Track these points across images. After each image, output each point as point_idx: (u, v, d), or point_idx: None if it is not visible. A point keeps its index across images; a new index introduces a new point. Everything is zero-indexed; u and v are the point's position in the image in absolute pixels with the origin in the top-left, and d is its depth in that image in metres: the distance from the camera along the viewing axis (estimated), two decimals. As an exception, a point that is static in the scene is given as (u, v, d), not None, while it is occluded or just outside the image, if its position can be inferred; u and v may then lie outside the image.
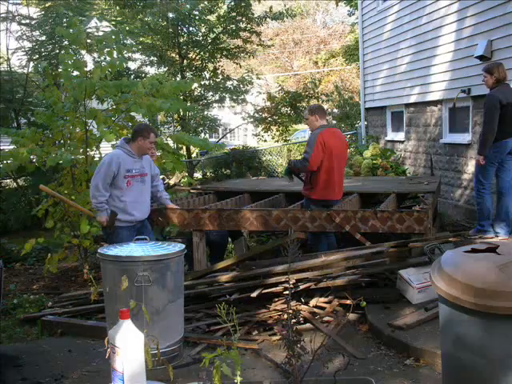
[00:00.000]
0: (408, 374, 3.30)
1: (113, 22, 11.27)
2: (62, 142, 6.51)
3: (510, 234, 5.62)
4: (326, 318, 4.18)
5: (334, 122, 15.94)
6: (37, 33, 10.32)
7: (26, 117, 9.79)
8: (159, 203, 5.55)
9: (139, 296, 3.43)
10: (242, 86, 13.51)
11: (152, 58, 13.30)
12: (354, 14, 21.28)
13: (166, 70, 13.28)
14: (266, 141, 14.78)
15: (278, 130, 13.59)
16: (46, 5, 10.54)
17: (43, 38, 10.20)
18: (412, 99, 9.63)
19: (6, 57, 10.21)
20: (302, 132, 24.91)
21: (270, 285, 4.38)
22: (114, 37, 6.12)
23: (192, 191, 7.18)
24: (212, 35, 13.00)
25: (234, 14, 12.75)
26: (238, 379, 2.47)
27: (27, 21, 10.34)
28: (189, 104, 12.07)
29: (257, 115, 13.42)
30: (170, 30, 12.84)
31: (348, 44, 23.78)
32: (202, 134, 13.82)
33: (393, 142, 10.87)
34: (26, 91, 9.85)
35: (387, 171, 9.29)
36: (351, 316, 4.06)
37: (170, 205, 5.50)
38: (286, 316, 2.78)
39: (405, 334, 3.69)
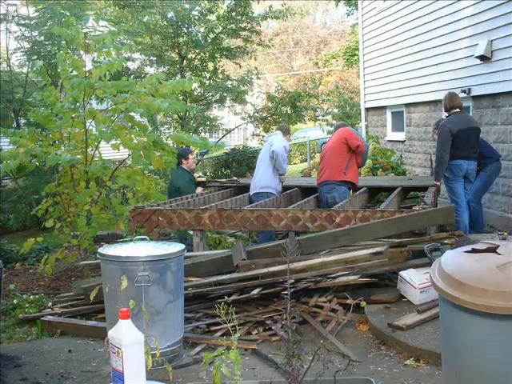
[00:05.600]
0: (408, 374, 3.30)
1: (111, 22, 11.26)
2: (60, 141, 6.52)
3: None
4: (326, 318, 4.17)
5: (334, 121, 15.93)
6: (35, 33, 10.33)
7: (25, 117, 9.79)
8: None
9: (139, 296, 3.43)
10: (241, 85, 13.51)
11: (151, 57, 13.30)
12: (352, 14, 21.30)
13: (165, 69, 13.28)
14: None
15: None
16: (44, 5, 10.52)
17: (41, 38, 10.20)
18: (412, 99, 9.64)
19: (6, 57, 10.21)
20: (302, 131, 24.91)
21: (270, 285, 4.38)
22: (112, 37, 6.12)
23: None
24: (212, 35, 13.01)
25: (233, 13, 12.76)
26: (238, 379, 2.46)
27: (26, 21, 10.35)
28: (188, 104, 12.07)
29: (257, 115, 13.43)
30: (170, 30, 12.84)
31: (348, 44, 23.79)
32: (202, 134, 13.82)
33: (393, 142, 10.87)
34: (25, 91, 9.85)
35: (387, 171, 9.29)
36: (351, 316, 4.05)
37: None
38: (285, 316, 2.79)
39: (405, 334, 3.68)
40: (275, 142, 6.60)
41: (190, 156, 6.73)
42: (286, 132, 6.92)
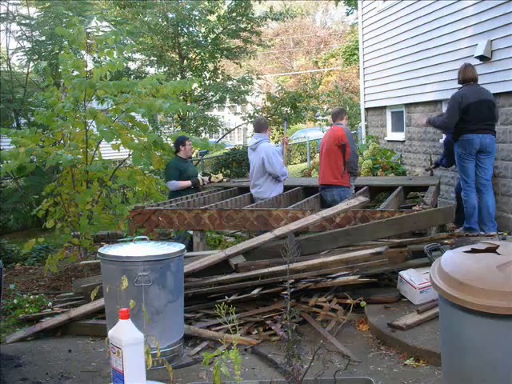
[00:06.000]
0: (408, 374, 3.30)
1: (112, 22, 11.28)
2: (62, 142, 6.53)
3: (496, 230, 5.73)
4: (326, 318, 4.18)
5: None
6: (37, 33, 10.33)
7: (26, 117, 9.79)
8: None
9: (139, 296, 3.43)
10: (242, 86, 13.52)
11: (152, 58, 13.32)
12: (352, 13, 21.31)
13: (165, 70, 13.30)
14: None
15: (277, 130, 13.62)
16: (46, 5, 10.55)
17: (43, 38, 10.21)
18: (412, 99, 9.63)
19: (6, 57, 10.21)
20: (302, 132, 24.91)
21: (270, 285, 4.38)
22: (114, 37, 6.13)
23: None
24: (212, 35, 13.02)
25: (234, 14, 12.77)
26: (238, 379, 2.47)
27: (27, 21, 10.35)
28: (189, 104, 12.09)
29: (257, 115, 13.45)
30: (170, 30, 12.86)
31: (348, 44, 23.80)
32: (203, 134, 13.83)
33: (393, 142, 10.87)
34: (25, 91, 9.85)
35: (387, 171, 9.29)
36: (351, 316, 4.06)
37: None
38: (285, 316, 2.79)
39: (404, 333, 3.69)
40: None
41: (187, 142, 6.67)
42: (263, 128, 6.43)
